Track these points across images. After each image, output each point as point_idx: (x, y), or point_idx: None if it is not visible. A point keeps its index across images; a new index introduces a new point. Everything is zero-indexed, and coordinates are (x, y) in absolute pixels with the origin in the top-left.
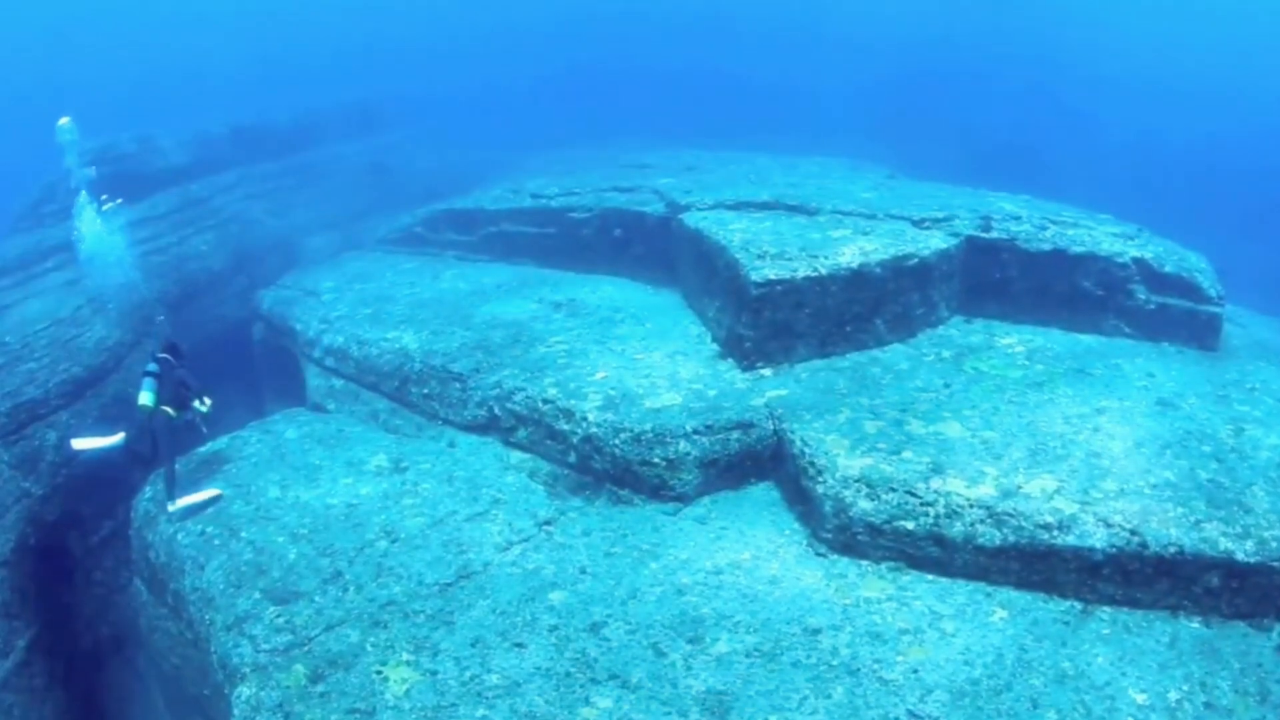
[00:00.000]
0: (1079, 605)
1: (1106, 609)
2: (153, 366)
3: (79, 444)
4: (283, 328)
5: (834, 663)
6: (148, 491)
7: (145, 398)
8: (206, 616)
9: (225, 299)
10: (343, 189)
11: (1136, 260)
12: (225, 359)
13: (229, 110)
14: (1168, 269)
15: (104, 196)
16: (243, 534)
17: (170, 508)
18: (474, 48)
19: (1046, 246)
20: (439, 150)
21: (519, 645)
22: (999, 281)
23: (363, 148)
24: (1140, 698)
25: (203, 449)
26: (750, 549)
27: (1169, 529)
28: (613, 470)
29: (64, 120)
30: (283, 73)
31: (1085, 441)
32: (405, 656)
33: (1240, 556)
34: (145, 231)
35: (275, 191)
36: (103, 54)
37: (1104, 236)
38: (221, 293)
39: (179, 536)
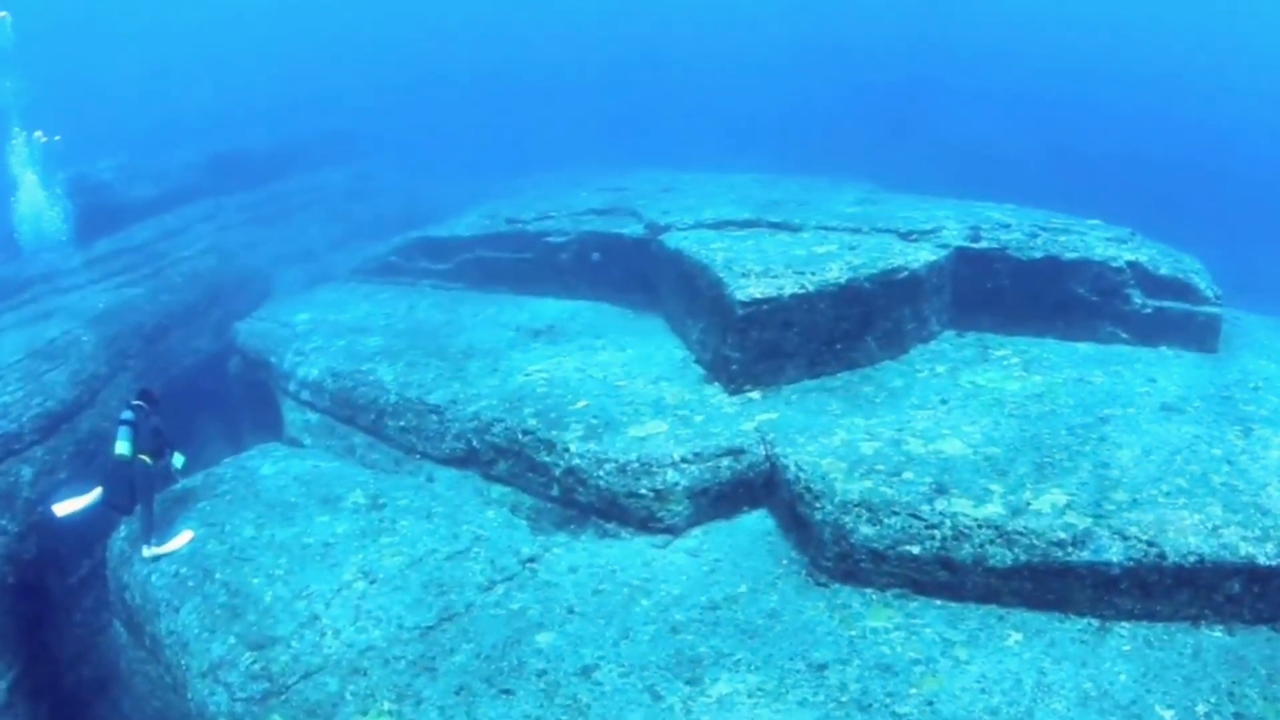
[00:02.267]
0: (1096, 622)
1: (1125, 624)
2: (128, 414)
3: (60, 510)
4: (258, 361)
5: (843, 699)
6: (122, 530)
7: (122, 447)
8: (182, 661)
9: (201, 331)
10: (319, 218)
11: (1131, 264)
12: (202, 393)
13: (206, 142)
14: (1163, 271)
15: (38, 133)
16: (217, 575)
17: (145, 553)
18: (447, 80)
19: (1038, 254)
20: (414, 179)
21: (506, 692)
22: (990, 292)
23: (338, 177)
24: (1168, 715)
25: (177, 486)
26: (747, 581)
27: (1187, 537)
28: (598, 503)
29: (2, 14)
30: (261, 106)
31: (1092, 452)
32: (387, 706)
33: (1262, 560)
34: (120, 263)
35: (252, 221)
36: (85, 86)
37: (1096, 241)
38: (197, 325)
39: (153, 578)
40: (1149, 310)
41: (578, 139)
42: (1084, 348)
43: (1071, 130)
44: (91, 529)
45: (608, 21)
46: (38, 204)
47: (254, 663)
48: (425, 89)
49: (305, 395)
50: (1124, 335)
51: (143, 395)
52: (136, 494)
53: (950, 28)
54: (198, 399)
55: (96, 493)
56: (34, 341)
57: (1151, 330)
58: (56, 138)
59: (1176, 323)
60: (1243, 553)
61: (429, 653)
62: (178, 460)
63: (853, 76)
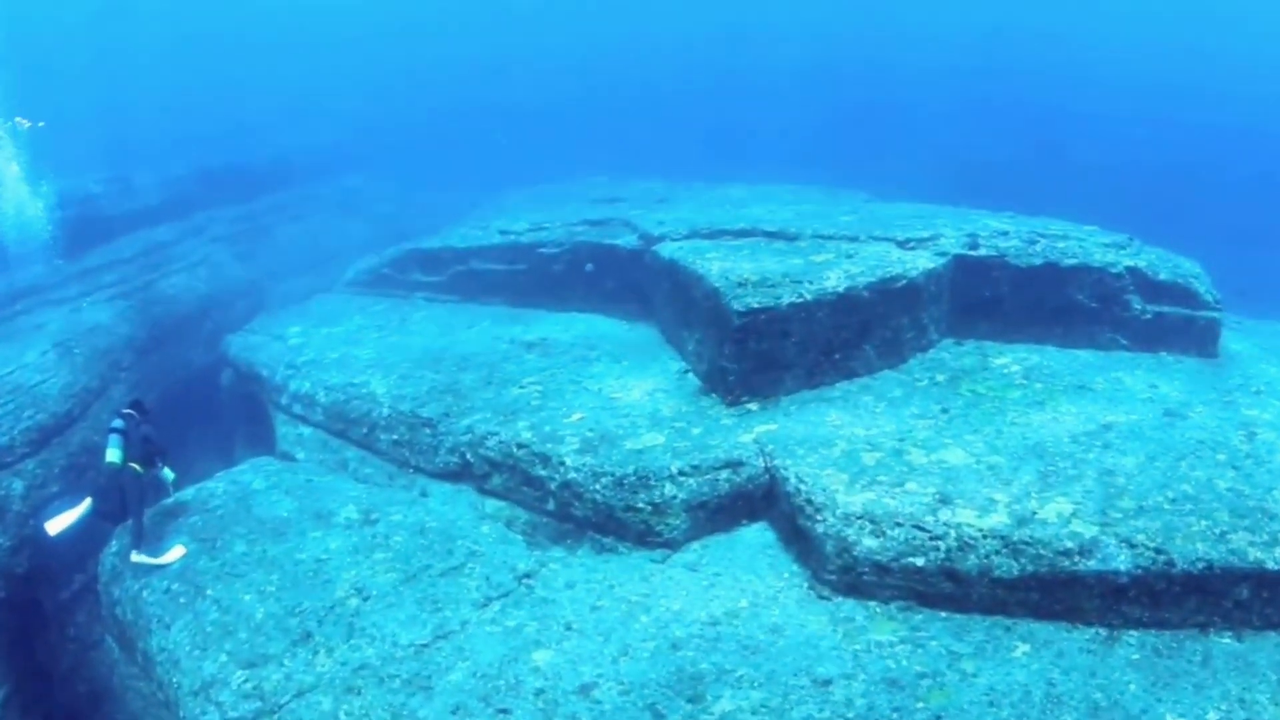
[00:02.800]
0: (1104, 632)
1: (1133, 633)
2: (118, 423)
3: (53, 527)
4: (250, 374)
5: (849, 715)
6: (113, 545)
7: (113, 455)
8: (173, 679)
9: (194, 344)
10: (312, 231)
11: (1130, 270)
12: (195, 406)
13: (196, 155)
14: (1162, 276)
15: (19, 118)
16: (208, 592)
17: (134, 558)
18: (440, 89)
19: (1038, 261)
20: (408, 191)
21: (503, 711)
22: (989, 300)
23: (332, 189)
24: None
25: (168, 500)
26: (748, 596)
27: (1195, 544)
28: (595, 517)
29: None
30: (256, 119)
31: (1096, 460)
32: None
33: (1271, 565)
34: (112, 275)
35: (244, 234)
36: (73, 98)
37: (1095, 247)
38: (190, 338)
39: (144, 594)
40: (1149, 316)
41: (573, 150)
42: (1084, 355)
43: (1068, 138)
44: (84, 543)
45: (605, 34)
46: (21, 199)
47: (246, 681)
48: (419, 101)
49: (297, 409)
50: (1124, 341)
51: (133, 405)
52: (127, 503)
53: (945, 37)
54: (190, 412)
55: (86, 504)
56: (24, 354)
57: (1151, 336)
58: (40, 124)
59: (1176, 328)
60: (1251, 558)
61: (424, 671)
62: (168, 474)
63: (848, 87)
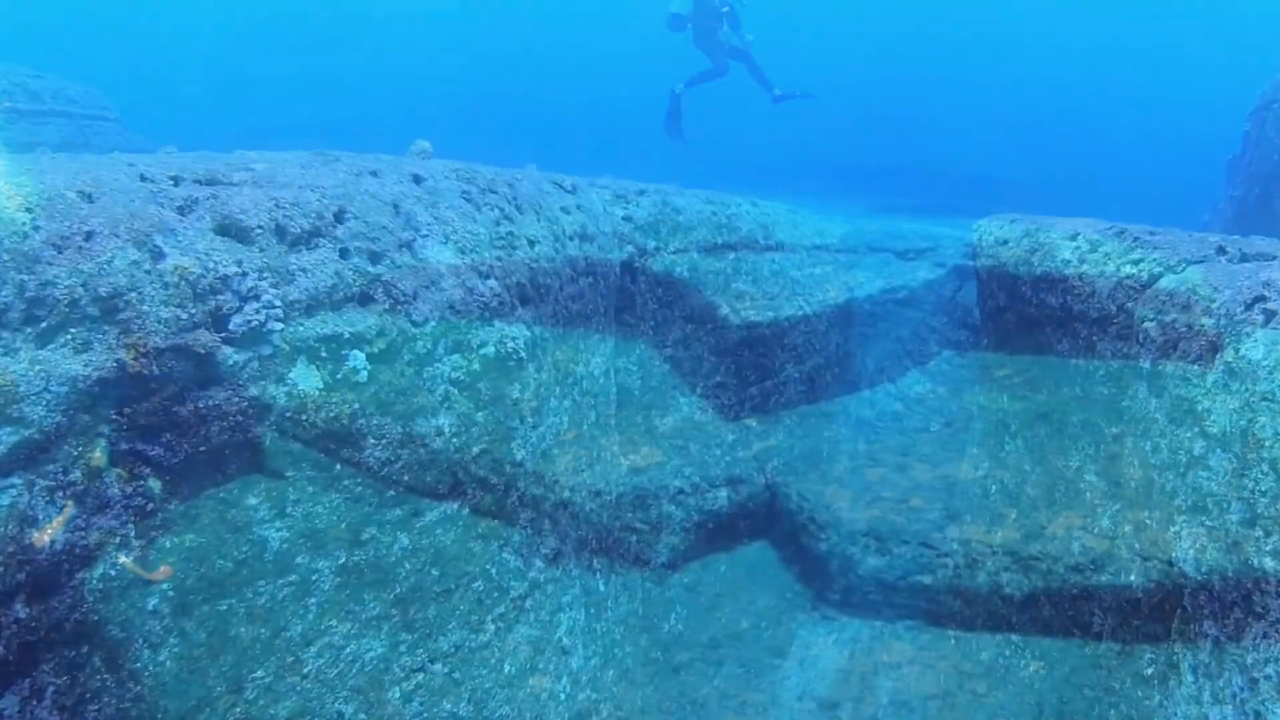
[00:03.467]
0: (1117, 646)
1: (1147, 646)
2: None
3: (39, 539)
4: None
5: None
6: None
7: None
8: (160, 703)
9: None
10: None
11: (1132, 275)
12: None
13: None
14: (1164, 282)
15: None
16: (195, 613)
17: (121, 559)
18: (439, 100)
19: (1038, 269)
20: None
21: None
22: (990, 310)
23: None
24: None
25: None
26: (749, 617)
27: (1208, 553)
28: (591, 537)
29: None
30: (251, 127)
31: (1105, 471)
32: None
33: None
34: None
35: None
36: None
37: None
38: None
39: (130, 614)
40: (1151, 322)
41: (570, 158)
42: (1087, 363)
43: (1066, 145)
44: (73, 558)
45: (602, 44)
46: None
47: (233, 706)
48: (412, 108)
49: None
50: (1126, 349)
51: None
52: None
53: (942, 45)
54: None
55: (71, 507)
56: (14, 365)
57: (1153, 342)
58: (6, 104)
59: (1179, 334)
60: (1268, 567)
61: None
62: (154, 485)
63: (845, 99)
